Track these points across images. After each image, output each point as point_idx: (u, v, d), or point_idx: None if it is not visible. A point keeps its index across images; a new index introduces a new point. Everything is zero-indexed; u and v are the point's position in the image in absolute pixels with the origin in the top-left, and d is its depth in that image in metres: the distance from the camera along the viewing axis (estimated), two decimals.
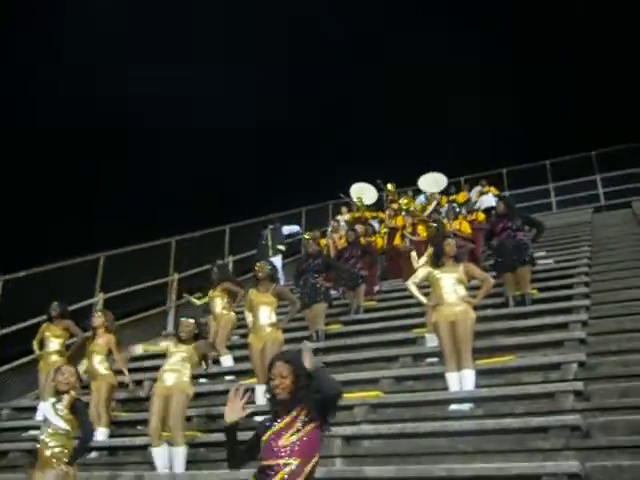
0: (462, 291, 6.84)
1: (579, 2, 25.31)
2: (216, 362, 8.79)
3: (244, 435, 3.58)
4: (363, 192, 15.47)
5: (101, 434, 7.38)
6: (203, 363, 6.78)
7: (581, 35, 25.34)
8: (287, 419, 3.37)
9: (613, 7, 24.28)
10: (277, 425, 3.38)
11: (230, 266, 13.76)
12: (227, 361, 9.28)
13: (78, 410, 5.28)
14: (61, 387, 5.31)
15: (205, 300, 10.05)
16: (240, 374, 8.81)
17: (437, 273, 6.97)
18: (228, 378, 8.97)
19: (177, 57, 26.69)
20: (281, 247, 13.24)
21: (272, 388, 3.43)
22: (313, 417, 3.34)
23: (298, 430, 3.32)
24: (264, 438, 3.37)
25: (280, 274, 11.74)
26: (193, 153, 26.21)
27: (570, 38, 25.26)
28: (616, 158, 19.51)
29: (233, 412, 3.46)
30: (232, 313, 9.75)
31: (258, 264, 7.89)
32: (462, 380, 6.53)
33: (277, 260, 12.76)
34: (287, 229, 14.04)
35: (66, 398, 5.26)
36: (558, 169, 20.22)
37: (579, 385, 6.03)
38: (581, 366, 6.58)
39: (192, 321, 6.73)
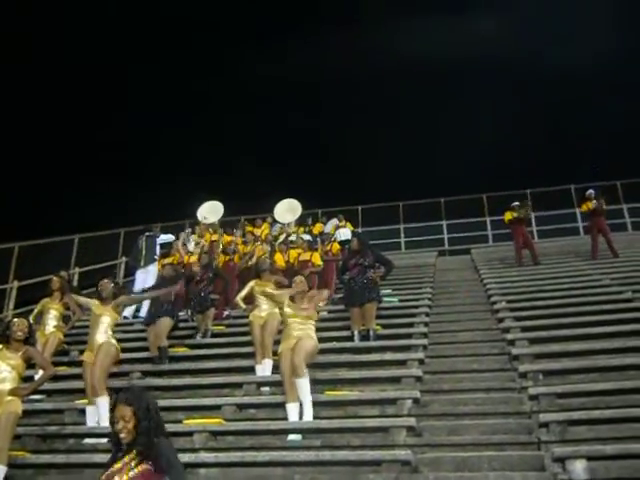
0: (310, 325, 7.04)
1: None
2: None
3: None
4: (216, 211, 15.30)
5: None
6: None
7: None
8: (125, 459, 3.30)
9: None
10: (114, 466, 3.30)
11: (75, 278, 13.12)
12: None
13: None
14: None
15: None
16: (55, 393, 8.61)
17: (288, 309, 7.15)
18: (38, 397, 8.45)
19: None
20: (155, 256, 12.78)
21: (116, 432, 3.36)
22: (149, 458, 3.28)
23: (132, 468, 3.25)
24: (102, 478, 3.30)
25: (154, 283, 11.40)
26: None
27: None
28: (461, 207, 20.89)
29: None
30: (60, 334, 9.33)
31: (101, 282, 7.68)
32: (297, 388, 6.66)
33: (153, 268, 12.34)
34: (163, 238, 13.60)
35: None
36: (409, 211, 21.25)
37: (412, 421, 6.32)
38: (415, 403, 6.91)
39: (26, 321, 6.39)
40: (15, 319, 6.48)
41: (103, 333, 7.36)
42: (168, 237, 13.80)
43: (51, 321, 9.27)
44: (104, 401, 6.94)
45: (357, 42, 30.32)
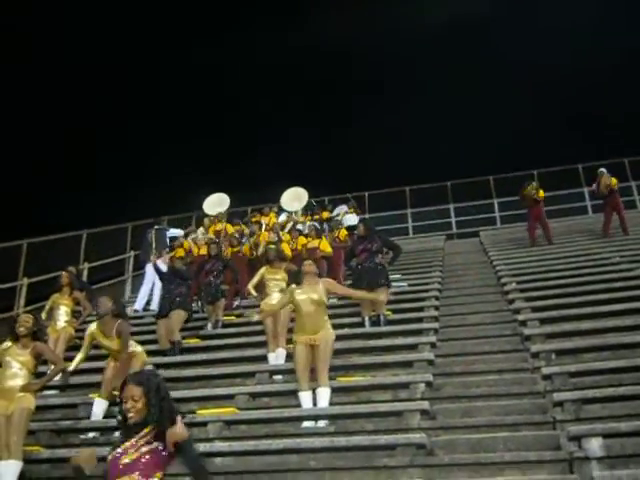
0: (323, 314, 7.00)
1: None
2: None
3: None
4: (222, 203, 15.32)
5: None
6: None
7: None
8: (134, 438, 3.31)
9: None
10: (123, 444, 3.31)
11: (85, 273, 13.15)
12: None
13: None
14: None
15: None
16: (68, 388, 8.59)
17: (298, 294, 7.04)
18: (51, 392, 8.52)
19: None
20: (166, 249, 12.79)
21: (124, 411, 3.35)
22: (161, 438, 3.28)
23: (141, 447, 3.27)
24: (109, 457, 3.30)
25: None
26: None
27: None
28: (468, 189, 20.76)
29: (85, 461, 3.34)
30: (72, 329, 9.36)
31: (100, 299, 7.63)
32: (318, 397, 6.66)
33: (161, 262, 12.34)
34: (173, 231, 13.62)
35: None
36: (416, 195, 21.13)
37: (425, 404, 6.32)
38: (428, 386, 6.92)
39: (31, 317, 6.40)
40: (22, 315, 6.51)
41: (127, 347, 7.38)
42: (178, 231, 13.87)
43: (62, 317, 9.32)
44: None
45: (354, 24, 30.14)
